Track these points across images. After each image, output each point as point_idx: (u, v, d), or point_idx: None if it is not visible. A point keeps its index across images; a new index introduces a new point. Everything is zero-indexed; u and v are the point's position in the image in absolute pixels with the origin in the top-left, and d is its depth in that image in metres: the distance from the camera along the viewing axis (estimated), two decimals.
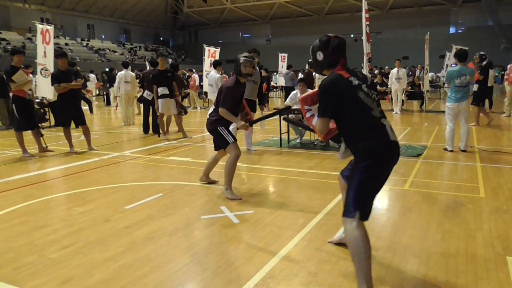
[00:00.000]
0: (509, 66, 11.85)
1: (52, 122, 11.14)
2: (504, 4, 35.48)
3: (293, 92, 7.93)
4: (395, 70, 12.86)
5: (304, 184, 5.09)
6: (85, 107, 15.66)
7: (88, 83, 15.26)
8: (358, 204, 2.44)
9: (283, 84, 21.25)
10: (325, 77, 2.62)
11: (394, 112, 13.11)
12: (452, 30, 40.35)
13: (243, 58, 4.40)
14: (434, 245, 3.21)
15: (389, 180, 5.17)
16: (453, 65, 7.07)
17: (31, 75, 7.05)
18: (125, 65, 10.94)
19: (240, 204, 4.29)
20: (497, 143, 7.70)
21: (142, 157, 6.83)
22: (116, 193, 4.77)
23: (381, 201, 4.38)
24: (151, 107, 9.07)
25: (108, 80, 15.96)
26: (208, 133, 4.72)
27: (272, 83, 21.67)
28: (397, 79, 12.70)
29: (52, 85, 7.16)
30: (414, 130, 9.45)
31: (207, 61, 14.07)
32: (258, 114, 6.28)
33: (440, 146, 7.21)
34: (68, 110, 7.15)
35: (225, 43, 44.77)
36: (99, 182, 5.27)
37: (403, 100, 13.64)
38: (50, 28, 9.90)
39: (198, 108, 16.14)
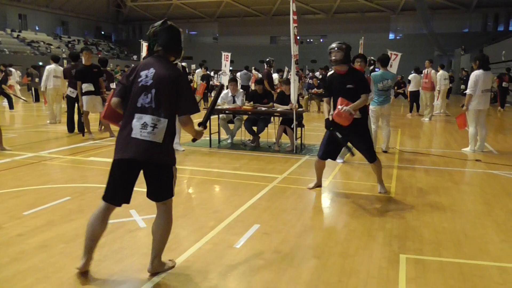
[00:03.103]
0: (424, 71, 12.65)
1: None
2: (438, 14, 38.04)
3: (224, 92, 7.85)
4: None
5: (224, 185, 5.03)
6: (4, 103, 14.61)
7: (10, 77, 14.18)
8: None
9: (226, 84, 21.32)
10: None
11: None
12: (391, 36, 42.53)
13: None
14: (336, 245, 3.27)
15: (307, 181, 5.28)
16: (376, 70, 7.37)
17: None
18: (55, 59, 10.26)
19: (152, 207, 4.11)
20: (417, 145, 8.14)
21: (60, 158, 6.41)
22: (18, 198, 4.40)
23: (294, 202, 4.42)
24: (76, 104, 8.58)
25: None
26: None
27: (216, 82, 21.48)
28: None
29: None
30: None
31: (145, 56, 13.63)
32: None
33: None
34: None
35: None
36: (2, 186, 4.84)
37: None
38: None
39: None
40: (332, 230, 3.59)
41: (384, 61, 6.98)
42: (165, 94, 2.54)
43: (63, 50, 35.86)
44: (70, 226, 3.63)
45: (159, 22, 2.69)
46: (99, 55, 38.67)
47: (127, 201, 2.72)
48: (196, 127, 2.79)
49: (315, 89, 14.53)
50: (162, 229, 2.74)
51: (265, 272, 2.81)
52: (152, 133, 2.53)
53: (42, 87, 10.47)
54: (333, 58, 4.37)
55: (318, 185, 4.88)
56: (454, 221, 3.85)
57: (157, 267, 2.76)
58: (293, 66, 6.85)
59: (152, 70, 2.57)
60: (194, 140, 2.89)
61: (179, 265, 2.91)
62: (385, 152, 7.09)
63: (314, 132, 9.25)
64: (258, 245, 3.25)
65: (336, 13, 42.23)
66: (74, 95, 8.30)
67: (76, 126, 8.85)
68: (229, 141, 7.85)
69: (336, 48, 4.37)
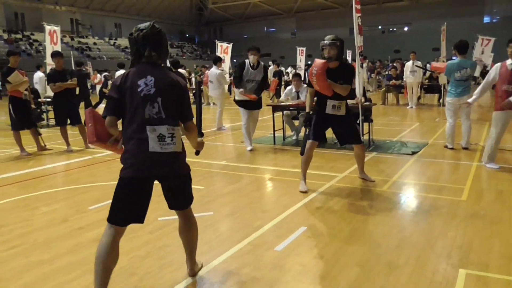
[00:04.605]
0: None
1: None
2: None
3: (288, 88, 7.73)
4: (409, 63, 12.30)
5: (279, 184, 4.93)
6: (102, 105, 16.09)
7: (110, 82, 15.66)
8: None
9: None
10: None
11: (409, 107, 12.57)
12: (486, 19, 38.30)
13: None
14: (385, 253, 2.98)
15: (368, 181, 4.93)
16: (453, 58, 6.62)
17: (26, 76, 7.21)
18: (120, 66, 11.15)
19: (203, 205, 4.19)
20: (509, 141, 7.17)
21: None
22: (88, 193, 4.79)
23: (348, 203, 4.14)
24: None
25: None
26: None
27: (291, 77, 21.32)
28: (411, 72, 12.15)
29: (47, 84, 7.31)
30: (422, 126, 9.00)
31: (221, 57, 14.03)
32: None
33: (443, 143, 6.80)
34: (64, 109, 7.28)
35: (250, 38, 44.64)
36: (77, 181, 5.31)
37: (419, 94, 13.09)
38: (57, 28, 10.17)
39: (211, 104, 16.18)
40: (384, 235, 3.29)
41: (461, 48, 6.23)
42: (171, 102, 2.35)
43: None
44: None
45: (146, 24, 2.39)
46: (183, 57, 40.96)
47: (142, 220, 2.48)
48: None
49: (393, 80, 13.67)
50: (194, 232, 2.70)
51: (300, 279, 2.66)
52: (173, 143, 2.33)
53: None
54: (327, 55, 4.25)
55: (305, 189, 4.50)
56: None
57: (195, 267, 2.78)
58: (357, 58, 6.47)
59: (150, 78, 2.33)
60: (197, 153, 2.63)
61: (215, 265, 2.89)
62: (465, 149, 6.37)
63: (387, 127, 8.68)
64: (300, 249, 3.10)
65: None
66: None
67: None
68: (294, 137, 7.71)
69: (329, 44, 4.22)
